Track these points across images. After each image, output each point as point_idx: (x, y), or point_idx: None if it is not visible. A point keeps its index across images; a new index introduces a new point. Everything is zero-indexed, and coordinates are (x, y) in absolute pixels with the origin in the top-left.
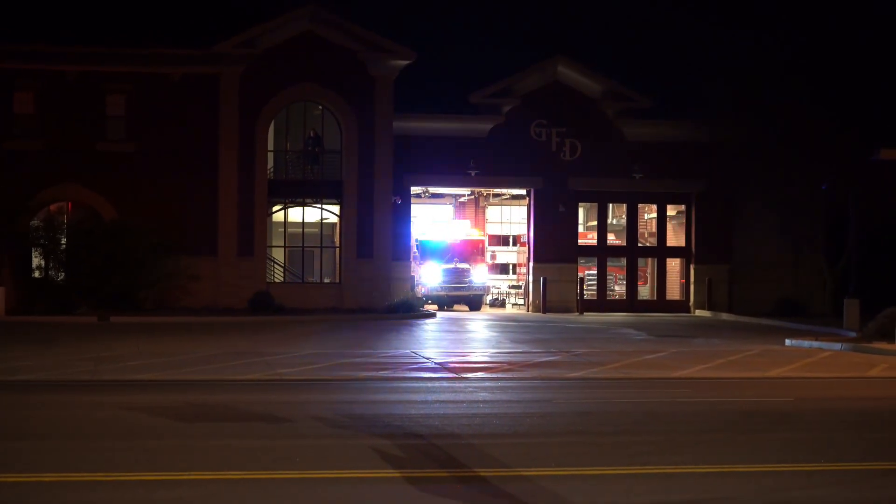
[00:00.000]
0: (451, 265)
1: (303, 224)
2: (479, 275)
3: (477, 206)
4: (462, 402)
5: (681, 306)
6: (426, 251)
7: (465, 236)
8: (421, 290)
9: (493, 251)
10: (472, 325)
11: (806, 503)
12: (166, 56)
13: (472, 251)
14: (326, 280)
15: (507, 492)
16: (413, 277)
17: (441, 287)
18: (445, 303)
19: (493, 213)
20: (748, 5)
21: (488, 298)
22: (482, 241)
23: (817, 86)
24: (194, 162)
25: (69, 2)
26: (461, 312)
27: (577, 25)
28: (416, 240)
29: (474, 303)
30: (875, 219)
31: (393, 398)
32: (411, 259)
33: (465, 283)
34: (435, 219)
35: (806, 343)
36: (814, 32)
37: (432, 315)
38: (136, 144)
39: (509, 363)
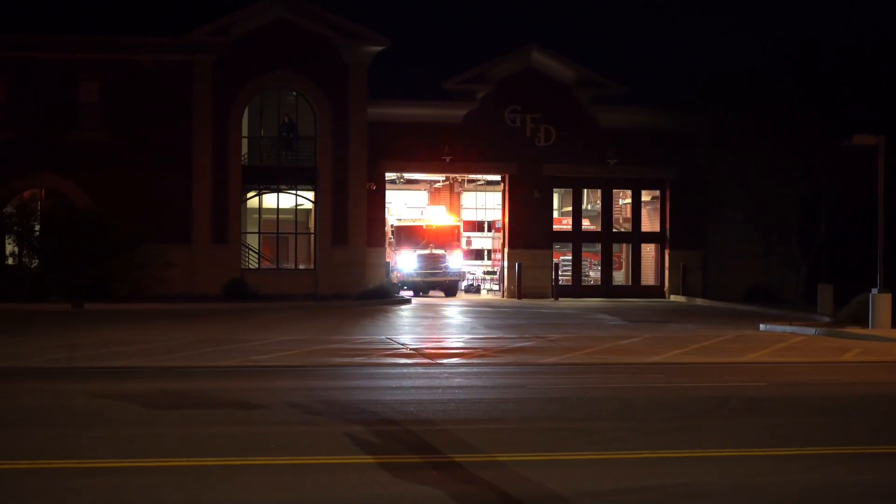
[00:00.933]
0: (427, 251)
1: (277, 210)
2: (455, 260)
3: (452, 192)
4: (437, 387)
5: (656, 292)
6: (402, 237)
7: (440, 222)
8: (397, 276)
9: (469, 237)
10: (446, 311)
11: (777, 488)
12: (139, 44)
13: (447, 237)
14: (301, 266)
15: (481, 477)
16: (388, 263)
17: (417, 273)
18: (421, 288)
19: (468, 198)
20: None
21: (463, 284)
22: (458, 227)
23: (790, 73)
24: (168, 149)
25: None
26: (436, 298)
27: (552, 12)
28: (392, 225)
29: (450, 288)
30: (847, 205)
31: (368, 384)
32: (386, 245)
33: (441, 269)
34: (410, 204)
35: (780, 328)
36: (786, 20)
37: (407, 301)
38: (109, 132)
39: (484, 349)
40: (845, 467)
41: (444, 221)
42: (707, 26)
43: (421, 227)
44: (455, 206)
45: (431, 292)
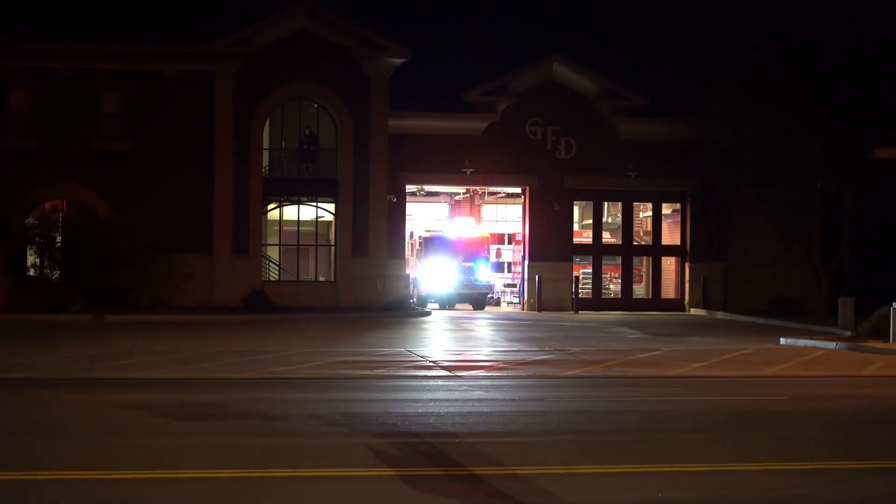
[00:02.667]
0: (456, 263)
1: (298, 222)
2: (484, 273)
3: (472, 205)
4: (457, 400)
5: (676, 305)
6: (429, 249)
7: (469, 234)
8: (425, 289)
9: (499, 248)
10: (467, 324)
11: (800, 501)
12: (161, 54)
13: (476, 249)
14: (322, 278)
15: (501, 490)
16: (408, 275)
17: (445, 285)
18: (449, 301)
19: (488, 211)
20: (742, 4)
21: (488, 297)
22: (487, 239)
23: (812, 84)
24: (189, 160)
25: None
26: (457, 311)
27: (573, 23)
28: (420, 237)
29: (479, 302)
30: (870, 217)
31: (388, 396)
32: (414, 256)
33: (470, 282)
34: (439, 216)
35: (801, 342)
36: (808, 31)
37: (428, 313)
38: (131, 142)
39: (504, 361)
40: (870, 481)
41: (473, 233)
42: (726, 35)
43: (449, 238)
44: (475, 219)
45: (458, 305)
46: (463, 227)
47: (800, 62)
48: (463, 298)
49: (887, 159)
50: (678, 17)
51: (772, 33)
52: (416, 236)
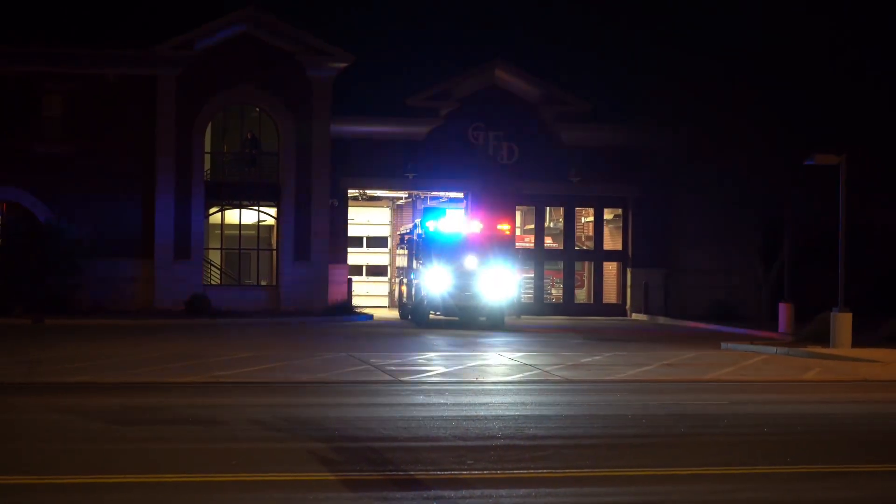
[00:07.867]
0: (466, 268)
1: (240, 226)
2: (504, 280)
3: (415, 209)
4: (398, 405)
5: (617, 310)
6: (433, 249)
7: (485, 231)
8: (425, 298)
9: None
10: (409, 329)
11: None
12: (103, 57)
13: (494, 250)
14: (263, 282)
15: (442, 494)
16: (408, 279)
17: (450, 295)
18: (451, 313)
19: None
20: (684, 12)
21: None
22: (508, 237)
23: (753, 91)
24: (131, 163)
25: (4, 1)
26: (396, 318)
27: (516, 29)
28: (419, 234)
29: (494, 316)
30: (810, 223)
31: (329, 401)
32: (415, 257)
33: (482, 291)
34: (447, 210)
35: (741, 347)
36: (747, 37)
37: (369, 317)
38: (72, 145)
39: (446, 367)
40: (812, 485)
41: (490, 230)
42: (668, 43)
43: (459, 237)
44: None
45: (463, 319)
46: (477, 223)
47: (741, 69)
48: (475, 311)
49: (827, 166)
50: (621, 25)
51: (714, 41)
52: (415, 233)
